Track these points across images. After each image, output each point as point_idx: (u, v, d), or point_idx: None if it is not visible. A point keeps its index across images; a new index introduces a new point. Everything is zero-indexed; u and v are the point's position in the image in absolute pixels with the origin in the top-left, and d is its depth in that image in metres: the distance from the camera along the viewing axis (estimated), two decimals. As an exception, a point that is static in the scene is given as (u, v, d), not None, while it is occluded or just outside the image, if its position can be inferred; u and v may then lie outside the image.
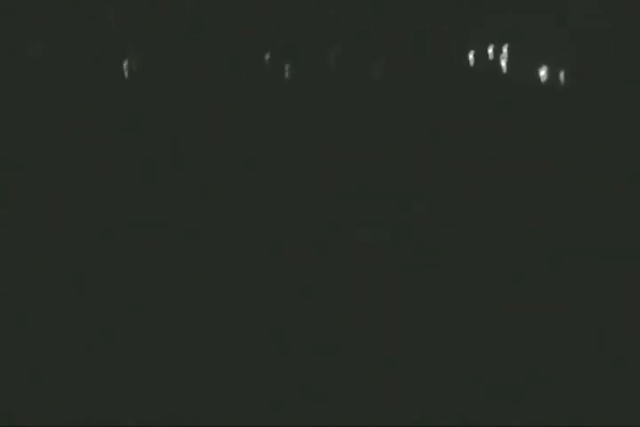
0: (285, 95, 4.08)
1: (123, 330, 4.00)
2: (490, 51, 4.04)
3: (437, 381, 3.58)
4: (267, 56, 4.03)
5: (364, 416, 3.12)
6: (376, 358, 3.64)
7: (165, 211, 3.90)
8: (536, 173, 3.93)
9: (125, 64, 3.95)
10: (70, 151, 3.95)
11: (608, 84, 4.01)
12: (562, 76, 4.04)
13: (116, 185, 3.92)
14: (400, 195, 3.93)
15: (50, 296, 4.07)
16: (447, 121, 3.98)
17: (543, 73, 4.01)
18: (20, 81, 4.00)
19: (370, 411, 3.19)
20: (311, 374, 3.54)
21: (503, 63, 4.07)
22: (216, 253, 3.83)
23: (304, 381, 3.50)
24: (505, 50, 4.04)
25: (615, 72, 4.05)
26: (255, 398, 3.32)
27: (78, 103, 3.97)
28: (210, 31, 4.09)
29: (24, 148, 3.92)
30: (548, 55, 4.03)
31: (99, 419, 3.06)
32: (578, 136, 3.95)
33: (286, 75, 4.05)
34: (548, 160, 3.93)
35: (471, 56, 4.06)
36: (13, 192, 3.87)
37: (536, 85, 4.04)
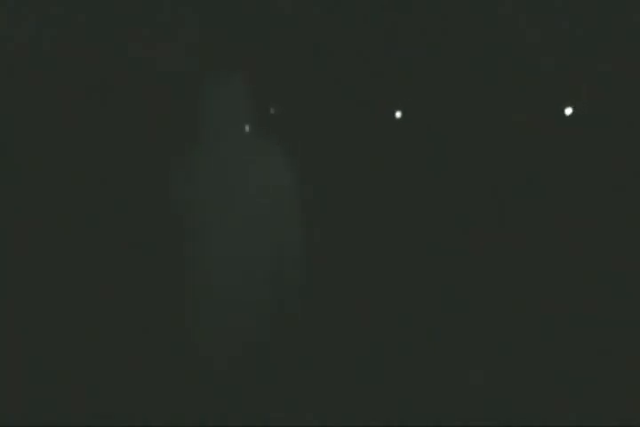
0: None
1: (122, 331, 3.99)
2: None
3: (437, 381, 3.58)
4: None
5: (363, 416, 3.12)
6: (377, 359, 3.64)
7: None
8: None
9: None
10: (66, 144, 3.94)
11: None
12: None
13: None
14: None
15: (49, 297, 4.05)
16: None
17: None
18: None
19: (369, 411, 3.20)
20: (311, 374, 3.54)
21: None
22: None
23: (304, 380, 3.51)
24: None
25: None
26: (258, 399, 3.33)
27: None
28: None
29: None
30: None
31: (99, 419, 3.06)
32: None
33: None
34: None
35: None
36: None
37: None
